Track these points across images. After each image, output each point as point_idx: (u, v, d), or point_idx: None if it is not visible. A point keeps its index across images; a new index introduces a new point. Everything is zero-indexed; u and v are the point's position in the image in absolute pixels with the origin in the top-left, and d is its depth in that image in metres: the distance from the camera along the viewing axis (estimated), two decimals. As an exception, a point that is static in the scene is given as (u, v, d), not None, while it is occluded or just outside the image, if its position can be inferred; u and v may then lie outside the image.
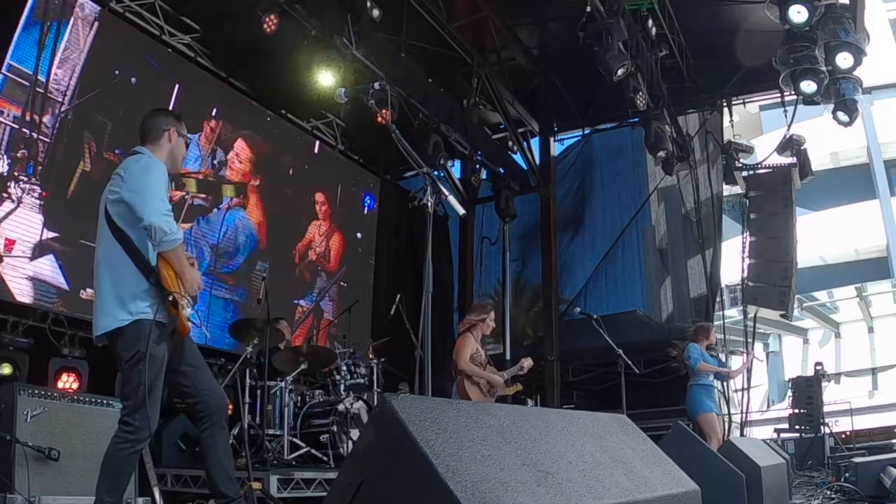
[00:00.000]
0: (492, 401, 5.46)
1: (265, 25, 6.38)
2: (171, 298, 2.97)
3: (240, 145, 8.13)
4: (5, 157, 5.68)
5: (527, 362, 5.87)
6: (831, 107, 7.92)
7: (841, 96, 7.68)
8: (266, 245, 8.32)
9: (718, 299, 10.01)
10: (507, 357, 9.84)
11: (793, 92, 7.80)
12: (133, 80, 6.78)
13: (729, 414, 8.77)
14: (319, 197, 9.35)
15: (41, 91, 5.94)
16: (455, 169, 10.89)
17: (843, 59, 7.11)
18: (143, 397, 2.88)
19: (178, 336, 3.12)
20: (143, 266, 2.97)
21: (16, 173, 5.73)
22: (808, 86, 7.43)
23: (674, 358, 7.29)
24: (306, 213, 9.13)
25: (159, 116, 3.30)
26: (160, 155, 3.19)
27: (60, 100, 6.13)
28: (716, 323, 9.66)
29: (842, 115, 7.86)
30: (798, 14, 6.53)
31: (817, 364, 10.70)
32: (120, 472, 2.94)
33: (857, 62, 7.14)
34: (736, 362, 10.02)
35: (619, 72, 6.94)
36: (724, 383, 7.90)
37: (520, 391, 6.14)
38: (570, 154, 11.30)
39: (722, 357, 7.63)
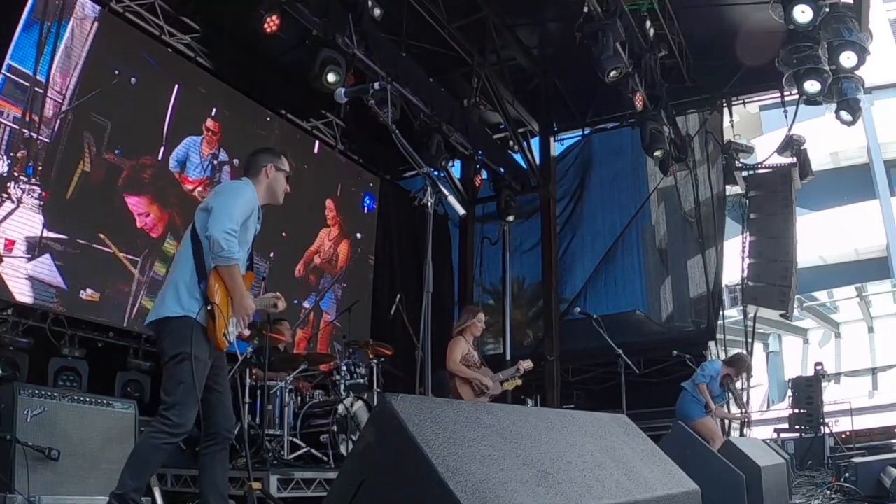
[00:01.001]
0: (486, 401, 5.44)
1: (266, 25, 6.36)
2: (209, 308, 3.09)
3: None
4: (5, 157, 5.67)
5: (524, 364, 5.83)
6: (832, 106, 7.92)
7: (843, 96, 7.68)
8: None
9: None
10: (507, 357, 9.83)
11: (796, 92, 7.80)
12: (133, 80, 6.77)
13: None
14: (329, 204, 9.37)
15: (41, 91, 5.94)
16: (455, 169, 10.89)
17: (847, 58, 7.11)
18: (182, 394, 3.00)
19: (216, 350, 3.20)
20: (202, 271, 3.17)
21: (16, 174, 5.72)
22: (812, 86, 7.42)
23: (674, 357, 7.28)
24: (311, 217, 9.08)
25: (259, 154, 3.54)
26: (259, 189, 3.44)
27: (60, 100, 6.12)
28: (717, 323, 9.67)
29: (845, 115, 7.86)
30: (802, 14, 6.53)
31: (817, 364, 10.69)
32: (147, 461, 3.00)
33: (861, 61, 7.14)
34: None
35: (612, 74, 6.94)
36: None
37: (519, 386, 6.09)
38: (570, 154, 11.30)
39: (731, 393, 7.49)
